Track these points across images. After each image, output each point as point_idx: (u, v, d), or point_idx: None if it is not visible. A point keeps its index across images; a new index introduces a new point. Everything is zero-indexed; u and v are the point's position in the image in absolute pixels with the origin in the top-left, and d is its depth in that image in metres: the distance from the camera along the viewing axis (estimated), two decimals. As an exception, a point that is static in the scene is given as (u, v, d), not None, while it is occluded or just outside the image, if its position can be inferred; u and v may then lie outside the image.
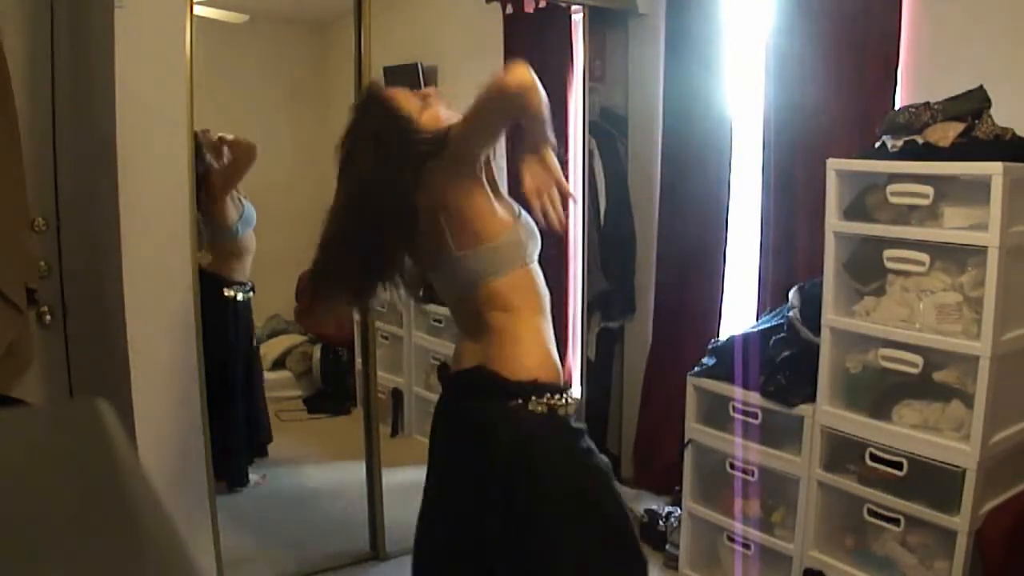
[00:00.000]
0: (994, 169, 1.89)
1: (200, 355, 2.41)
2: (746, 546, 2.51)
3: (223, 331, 3.17)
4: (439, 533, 1.71)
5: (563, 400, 1.60)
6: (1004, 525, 2.00)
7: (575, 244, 3.51)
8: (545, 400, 1.58)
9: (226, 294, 3.25)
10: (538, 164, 1.61)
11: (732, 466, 2.51)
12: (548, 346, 1.66)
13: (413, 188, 1.59)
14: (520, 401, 1.58)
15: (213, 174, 3.21)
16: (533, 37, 3.77)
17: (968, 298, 2.01)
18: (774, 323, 2.51)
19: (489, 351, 1.63)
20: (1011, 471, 2.10)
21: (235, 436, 3.30)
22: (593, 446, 1.66)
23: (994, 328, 1.92)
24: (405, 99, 1.69)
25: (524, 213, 1.67)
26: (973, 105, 2.05)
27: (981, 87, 2.08)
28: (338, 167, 1.74)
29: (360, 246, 1.66)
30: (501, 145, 1.76)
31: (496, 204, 1.62)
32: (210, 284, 3.05)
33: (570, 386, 1.69)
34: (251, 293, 3.36)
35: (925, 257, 2.06)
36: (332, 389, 4.30)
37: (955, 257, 2.04)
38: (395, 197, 1.60)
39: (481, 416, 1.63)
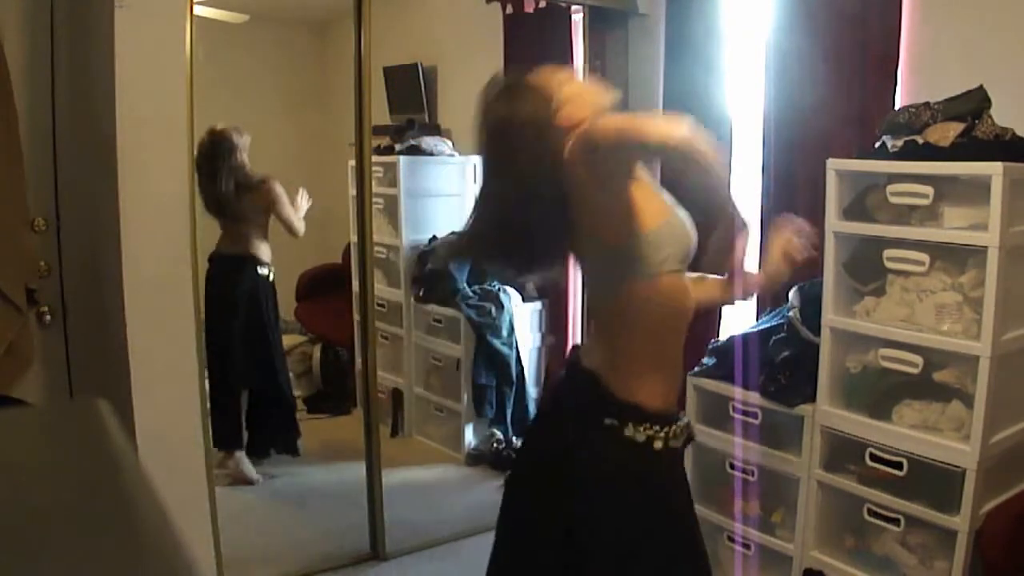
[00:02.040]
0: (994, 169, 1.89)
1: (201, 355, 2.41)
2: (746, 546, 2.51)
3: (263, 306, 3.55)
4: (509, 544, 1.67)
5: (663, 432, 1.47)
6: (1004, 525, 2.00)
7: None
8: (643, 429, 1.46)
9: (260, 273, 3.55)
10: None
11: (732, 466, 2.51)
12: (666, 370, 1.54)
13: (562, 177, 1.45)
14: (616, 423, 1.46)
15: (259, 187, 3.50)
16: (533, 37, 3.77)
17: (968, 298, 2.01)
18: (774, 323, 2.51)
19: (604, 354, 1.52)
20: (1011, 471, 2.10)
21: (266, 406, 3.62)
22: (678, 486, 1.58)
23: (994, 328, 1.92)
24: (548, 80, 1.51)
25: (676, 212, 1.51)
26: (973, 105, 2.05)
27: (981, 87, 2.08)
28: (489, 149, 1.53)
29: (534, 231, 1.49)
30: None
31: (641, 195, 1.45)
32: (250, 264, 3.51)
33: (677, 417, 1.56)
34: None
35: (925, 257, 2.06)
36: (332, 389, 4.31)
37: (955, 257, 2.04)
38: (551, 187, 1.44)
39: (571, 430, 1.52)
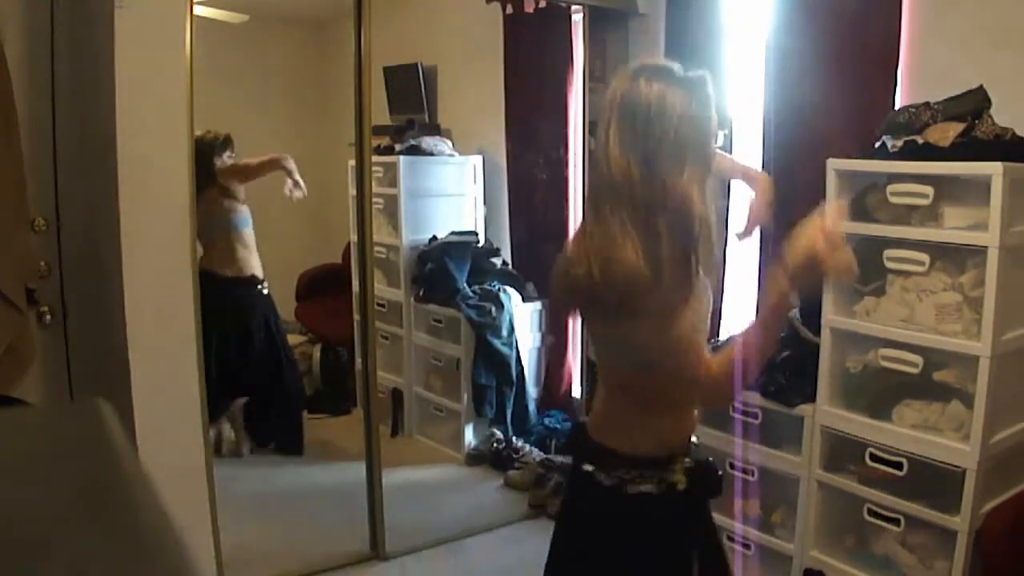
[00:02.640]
0: (994, 169, 1.89)
1: (200, 354, 2.41)
2: (746, 546, 2.51)
3: (272, 325, 3.61)
4: None
5: (639, 477, 1.41)
6: (1004, 525, 2.00)
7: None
8: (616, 475, 1.41)
9: (264, 292, 3.61)
10: None
11: (732, 466, 2.51)
12: (663, 425, 1.45)
13: None
14: (592, 468, 1.43)
15: (229, 170, 3.51)
16: (533, 37, 3.77)
17: (968, 298, 2.01)
18: (774, 323, 2.51)
19: (596, 406, 1.51)
20: (1011, 471, 2.10)
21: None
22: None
23: (994, 328, 1.92)
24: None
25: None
26: (973, 105, 2.05)
27: (981, 87, 2.08)
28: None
29: None
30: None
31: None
32: (251, 286, 3.53)
33: (672, 462, 1.44)
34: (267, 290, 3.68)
35: (925, 257, 2.06)
36: (332, 389, 4.31)
37: (955, 257, 2.04)
38: None
39: (569, 477, 1.56)
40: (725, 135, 1.47)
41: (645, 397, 1.44)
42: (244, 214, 3.54)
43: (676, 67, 1.36)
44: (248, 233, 3.55)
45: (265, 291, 3.61)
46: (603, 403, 1.50)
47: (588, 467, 1.45)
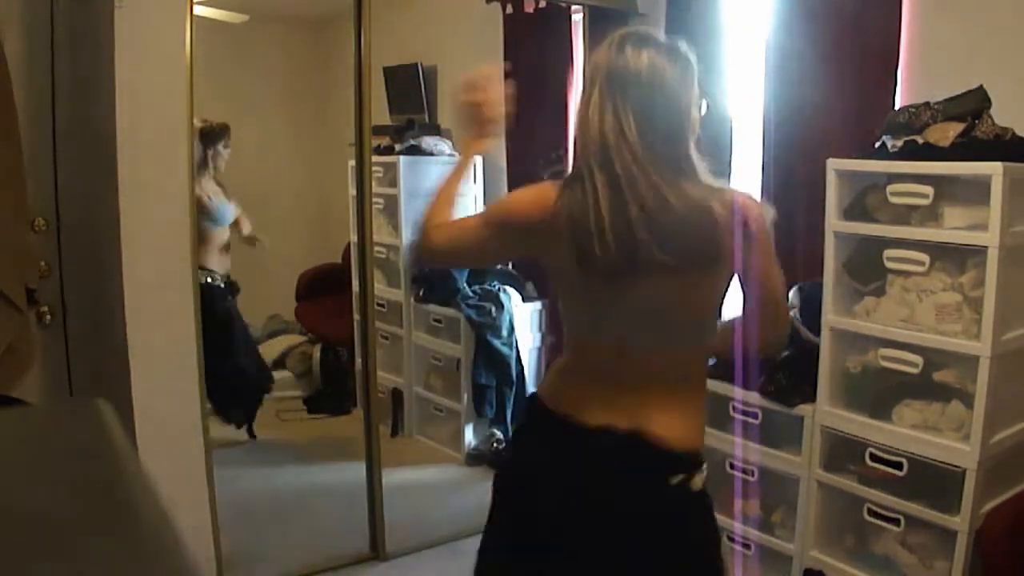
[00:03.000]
0: (994, 169, 1.89)
1: (200, 354, 2.41)
2: (746, 546, 2.51)
3: (215, 318, 3.36)
4: None
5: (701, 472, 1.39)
6: (1004, 525, 2.00)
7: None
8: (703, 473, 1.38)
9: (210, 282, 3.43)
10: None
11: (732, 466, 2.51)
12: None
13: None
14: (684, 476, 1.35)
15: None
16: (533, 37, 3.77)
17: (968, 298, 2.01)
18: (774, 323, 2.51)
19: (648, 409, 1.35)
20: (1011, 471, 2.10)
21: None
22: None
23: (994, 328, 1.92)
24: None
25: None
26: (973, 105, 2.05)
27: (981, 87, 2.08)
28: None
29: None
30: None
31: None
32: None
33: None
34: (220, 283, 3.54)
35: (925, 257, 2.07)
36: (332, 389, 4.31)
37: (955, 257, 2.04)
38: None
39: (619, 496, 1.35)
40: (708, 105, 1.46)
41: (694, 382, 1.45)
42: (213, 215, 3.48)
43: (660, 35, 1.38)
44: (219, 232, 3.50)
45: (213, 282, 3.49)
46: (655, 405, 1.36)
47: (679, 477, 1.34)
